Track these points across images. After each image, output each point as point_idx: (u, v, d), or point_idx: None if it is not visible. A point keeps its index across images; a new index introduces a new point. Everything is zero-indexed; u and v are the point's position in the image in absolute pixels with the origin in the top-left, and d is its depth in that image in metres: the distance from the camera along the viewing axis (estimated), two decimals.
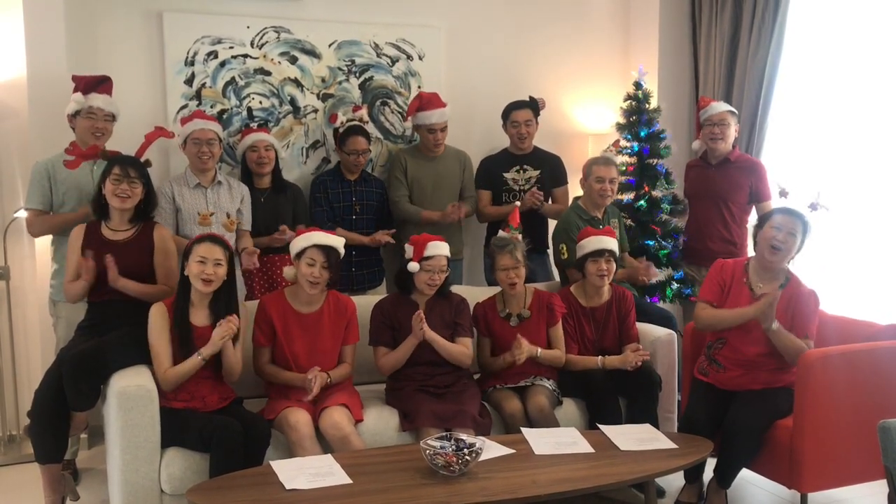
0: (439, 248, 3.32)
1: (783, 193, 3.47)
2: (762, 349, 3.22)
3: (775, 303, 3.10)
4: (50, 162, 3.52)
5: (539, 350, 3.39)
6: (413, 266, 3.29)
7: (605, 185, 3.84)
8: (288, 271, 3.25)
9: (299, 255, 3.16)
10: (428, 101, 4.22)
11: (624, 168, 4.50)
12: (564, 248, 3.79)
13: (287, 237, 3.67)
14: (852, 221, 4.18)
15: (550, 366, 3.47)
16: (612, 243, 3.52)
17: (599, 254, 3.48)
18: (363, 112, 4.42)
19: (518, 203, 4.06)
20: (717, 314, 3.30)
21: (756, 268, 3.32)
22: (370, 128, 4.47)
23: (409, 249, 3.34)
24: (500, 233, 3.65)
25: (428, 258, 3.29)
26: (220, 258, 3.01)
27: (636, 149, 4.51)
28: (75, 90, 3.57)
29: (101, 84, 3.61)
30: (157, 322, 3.00)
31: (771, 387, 3.22)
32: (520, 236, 3.57)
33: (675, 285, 4.39)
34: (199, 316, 3.06)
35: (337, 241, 3.21)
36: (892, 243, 4.00)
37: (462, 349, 3.35)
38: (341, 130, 4.20)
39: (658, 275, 3.98)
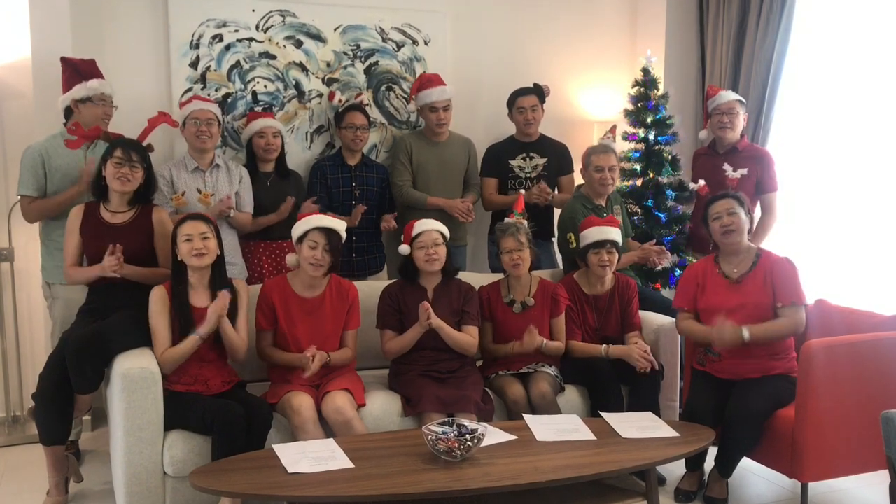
0: (428, 224, 3.34)
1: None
2: None
3: (726, 330, 3.14)
4: (43, 147, 3.47)
5: (545, 342, 3.40)
6: (404, 248, 3.33)
7: (604, 174, 3.82)
8: (290, 259, 3.25)
9: (301, 238, 3.17)
10: (428, 81, 4.23)
11: (629, 155, 4.49)
12: (573, 238, 3.78)
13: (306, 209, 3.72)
14: (856, 212, 4.17)
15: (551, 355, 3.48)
16: (614, 233, 3.52)
17: (601, 244, 3.48)
18: (364, 97, 4.43)
19: (523, 191, 4.05)
20: (689, 327, 3.38)
21: (725, 255, 3.37)
22: (375, 113, 4.47)
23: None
24: (506, 219, 3.65)
25: (417, 236, 3.30)
26: (204, 230, 3.02)
27: (642, 135, 4.50)
28: (72, 74, 3.51)
29: (94, 67, 3.58)
30: (157, 304, 3.01)
31: (768, 374, 3.23)
32: (525, 221, 3.57)
33: (678, 272, 4.39)
34: (199, 297, 3.06)
35: (338, 225, 3.22)
36: None
37: (468, 339, 3.35)
38: (340, 109, 4.21)
39: (670, 258, 3.99)
